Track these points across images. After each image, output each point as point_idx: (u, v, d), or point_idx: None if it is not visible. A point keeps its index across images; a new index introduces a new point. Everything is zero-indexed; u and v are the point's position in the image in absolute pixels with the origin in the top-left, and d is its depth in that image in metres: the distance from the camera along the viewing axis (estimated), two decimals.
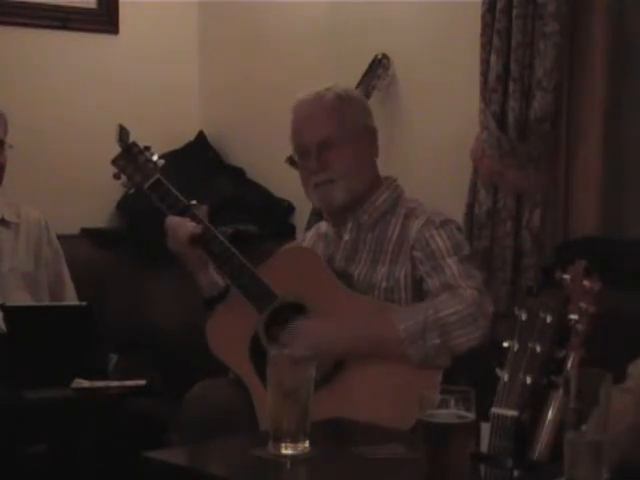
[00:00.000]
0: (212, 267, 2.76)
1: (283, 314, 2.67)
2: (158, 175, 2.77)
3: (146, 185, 2.77)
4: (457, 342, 2.49)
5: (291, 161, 2.88)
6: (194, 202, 2.76)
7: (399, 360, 2.51)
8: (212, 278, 2.76)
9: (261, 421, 2.50)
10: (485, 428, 1.55)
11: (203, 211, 2.77)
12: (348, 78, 2.91)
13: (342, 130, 2.70)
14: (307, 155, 2.71)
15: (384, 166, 2.86)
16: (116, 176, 2.82)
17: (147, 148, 2.81)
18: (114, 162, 2.81)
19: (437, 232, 2.64)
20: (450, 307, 2.51)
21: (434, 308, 2.52)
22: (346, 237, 2.75)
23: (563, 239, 3.13)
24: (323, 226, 2.88)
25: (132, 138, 2.81)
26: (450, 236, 2.64)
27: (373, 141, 2.78)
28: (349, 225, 2.75)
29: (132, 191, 2.86)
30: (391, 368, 2.53)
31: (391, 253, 2.67)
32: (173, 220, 2.72)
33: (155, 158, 2.81)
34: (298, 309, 2.66)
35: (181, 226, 2.70)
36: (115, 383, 2.84)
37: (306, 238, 2.94)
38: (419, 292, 2.63)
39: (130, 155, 2.79)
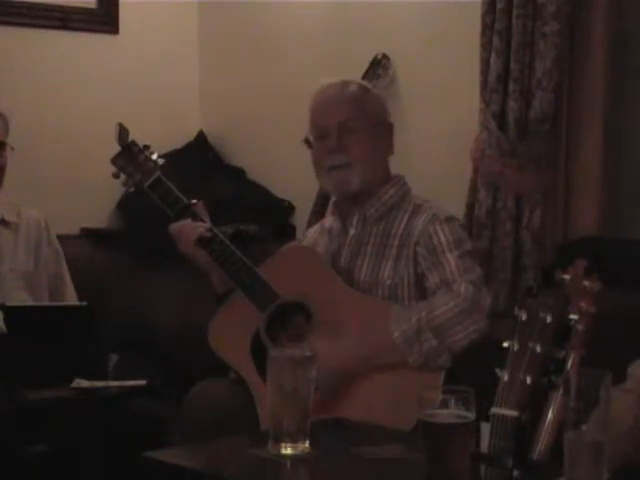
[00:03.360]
0: None
1: (284, 313, 2.68)
2: (158, 173, 2.76)
3: (146, 184, 2.76)
4: (454, 339, 2.49)
5: (308, 142, 2.85)
6: (194, 201, 2.76)
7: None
8: (224, 275, 2.76)
9: (263, 420, 2.50)
10: (485, 428, 1.55)
11: (203, 209, 2.76)
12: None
13: (364, 117, 2.71)
14: (326, 136, 2.70)
15: None
16: (115, 175, 2.81)
17: (146, 147, 2.81)
18: (113, 161, 2.80)
19: (441, 227, 2.64)
20: (443, 305, 2.50)
21: (428, 308, 2.52)
22: (352, 231, 2.75)
23: (563, 239, 3.13)
24: (328, 221, 2.87)
25: (131, 137, 2.81)
26: (453, 231, 2.64)
27: (389, 137, 2.78)
28: (355, 218, 2.75)
29: (132, 190, 2.85)
30: (392, 368, 2.53)
31: (396, 248, 2.67)
32: (177, 225, 2.72)
33: (155, 157, 2.80)
34: (299, 308, 2.67)
35: (186, 228, 2.70)
36: (115, 383, 2.84)
37: (309, 234, 2.94)
38: (422, 289, 2.63)
39: (129, 154, 2.79)
